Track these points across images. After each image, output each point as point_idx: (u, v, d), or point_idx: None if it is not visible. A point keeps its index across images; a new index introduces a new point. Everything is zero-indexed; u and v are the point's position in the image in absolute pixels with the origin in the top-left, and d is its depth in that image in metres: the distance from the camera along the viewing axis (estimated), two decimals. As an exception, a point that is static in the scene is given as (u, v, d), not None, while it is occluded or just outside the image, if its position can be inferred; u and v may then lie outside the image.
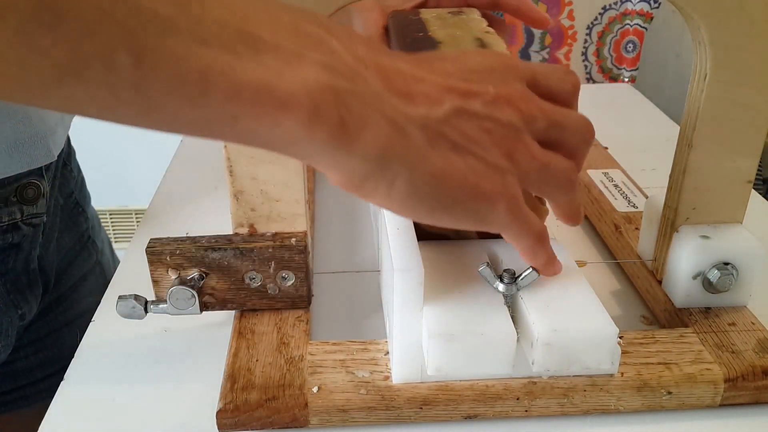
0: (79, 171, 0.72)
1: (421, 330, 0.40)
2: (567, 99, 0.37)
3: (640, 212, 0.60)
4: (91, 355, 0.48)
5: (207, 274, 0.46)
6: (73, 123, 0.65)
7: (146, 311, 0.46)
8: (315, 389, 0.41)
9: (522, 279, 0.41)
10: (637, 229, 0.57)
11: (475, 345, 0.39)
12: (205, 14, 0.25)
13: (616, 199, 0.63)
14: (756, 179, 0.49)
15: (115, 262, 0.79)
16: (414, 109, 0.31)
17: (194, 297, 0.45)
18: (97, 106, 0.25)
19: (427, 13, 0.61)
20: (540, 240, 0.38)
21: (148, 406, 0.43)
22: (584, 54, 1.12)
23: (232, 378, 0.42)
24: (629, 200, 0.62)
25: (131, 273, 0.57)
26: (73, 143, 0.71)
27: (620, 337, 0.44)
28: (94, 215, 0.76)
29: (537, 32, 1.10)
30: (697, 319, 0.47)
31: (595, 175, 0.67)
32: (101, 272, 0.74)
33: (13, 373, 0.66)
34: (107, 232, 1.67)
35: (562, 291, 0.42)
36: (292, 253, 0.46)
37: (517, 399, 0.41)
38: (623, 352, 0.43)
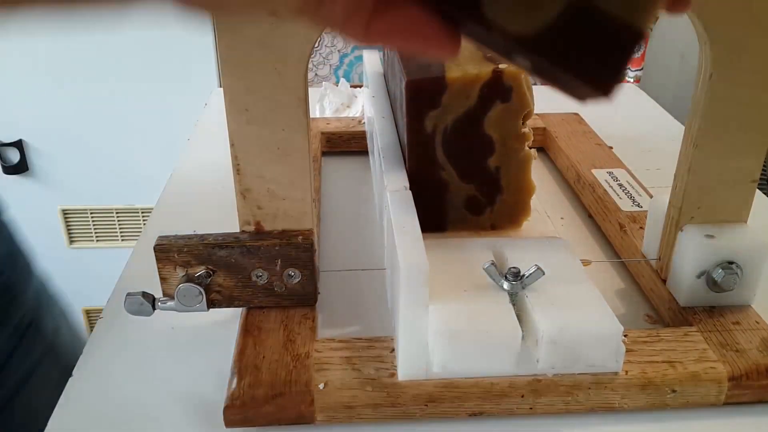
0: (11, 243, 0.60)
1: (426, 328, 0.40)
2: None
3: (644, 212, 0.60)
4: (98, 351, 0.48)
5: (214, 272, 0.46)
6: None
7: (154, 308, 0.46)
8: (321, 386, 0.41)
9: (527, 277, 0.41)
10: (641, 228, 0.57)
11: (481, 343, 0.39)
12: None
13: (620, 198, 0.63)
14: (761, 179, 0.49)
15: (79, 333, 0.66)
16: None
17: (201, 294, 0.46)
18: None
19: None
20: None
21: (155, 403, 0.44)
22: (589, 54, 1.12)
23: (239, 375, 0.42)
24: (634, 200, 0.63)
25: (139, 270, 0.58)
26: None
27: (625, 336, 0.44)
28: (40, 287, 0.63)
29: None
30: (701, 317, 0.47)
31: (600, 174, 0.68)
32: (55, 358, 0.62)
33: None
34: (114, 230, 1.69)
35: (566, 289, 0.42)
36: (299, 251, 0.46)
37: (522, 396, 0.41)
38: (628, 351, 0.43)
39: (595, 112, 0.84)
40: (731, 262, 0.46)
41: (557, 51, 0.21)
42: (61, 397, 0.44)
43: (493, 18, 0.21)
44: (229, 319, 0.50)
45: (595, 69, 0.22)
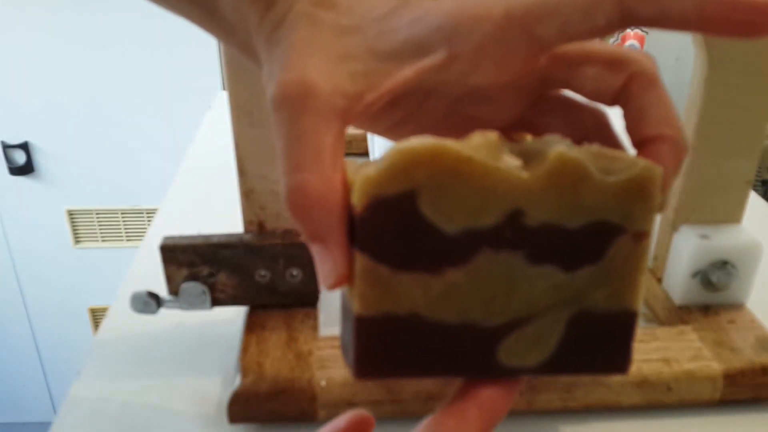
0: None
1: (426, 326, 0.41)
2: None
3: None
4: (104, 350, 0.49)
5: (218, 271, 0.47)
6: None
7: (159, 307, 0.47)
8: (323, 383, 0.42)
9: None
10: (639, 228, 0.58)
11: (479, 340, 0.40)
12: None
13: (619, 199, 0.63)
14: (755, 181, 0.50)
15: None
16: None
17: (205, 293, 0.47)
18: None
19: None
20: None
21: (160, 401, 0.45)
22: (590, 56, 1.12)
23: (242, 372, 0.43)
24: (632, 201, 0.63)
25: (144, 270, 0.59)
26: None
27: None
28: None
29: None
30: (696, 316, 0.48)
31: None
32: None
33: None
34: (119, 230, 1.70)
35: (563, 288, 0.43)
36: (301, 251, 0.47)
37: (520, 393, 0.42)
38: (624, 349, 0.43)
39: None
40: (726, 262, 0.47)
41: (567, 364, 0.24)
42: (68, 395, 0.45)
43: (508, 363, 0.24)
44: (232, 317, 0.51)
45: (605, 362, 0.25)
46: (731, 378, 0.43)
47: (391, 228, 0.22)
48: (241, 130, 0.44)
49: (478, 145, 0.22)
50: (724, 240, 0.47)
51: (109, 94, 1.54)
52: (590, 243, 0.23)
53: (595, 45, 0.26)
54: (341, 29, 0.24)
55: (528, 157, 0.22)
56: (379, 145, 0.60)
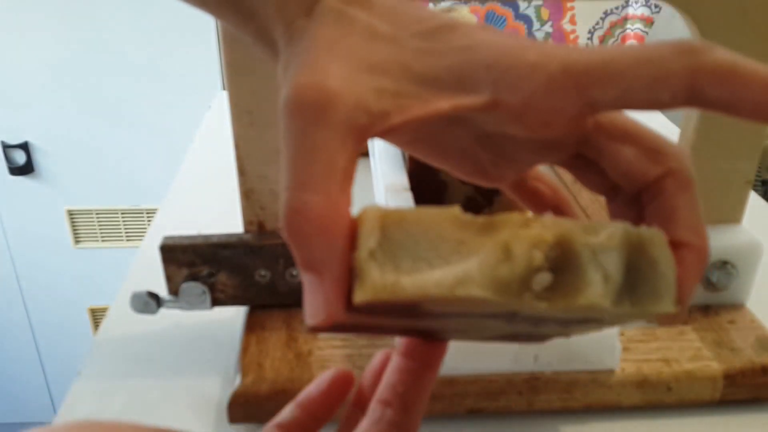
0: None
1: (426, 326, 0.41)
2: None
3: (642, 212, 0.60)
4: (104, 349, 0.49)
5: (218, 271, 0.47)
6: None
7: (159, 307, 0.47)
8: (323, 383, 0.42)
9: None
10: (639, 228, 0.58)
11: (479, 340, 0.40)
12: None
13: (619, 199, 0.63)
14: (755, 181, 0.50)
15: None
16: None
17: (206, 293, 0.47)
18: None
19: None
20: None
21: (159, 400, 0.45)
22: (590, 56, 1.13)
23: (242, 372, 0.43)
24: (632, 201, 0.63)
25: (144, 270, 0.59)
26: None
27: (621, 334, 0.45)
28: None
29: (539, 36, 1.11)
30: (696, 316, 0.48)
31: (599, 175, 0.68)
32: None
33: None
34: (119, 230, 1.70)
35: (563, 288, 0.43)
36: (301, 251, 0.47)
37: (520, 393, 0.42)
38: (624, 349, 0.44)
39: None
40: (726, 262, 0.47)
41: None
42: (68, 395, 0.45)
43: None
44: (232, 317, 0.51)
45: None
46: (731, 378, 0.43)
47: (386, 309, 0.21)
48: (241, 130, 0.44)
49: (509, 270, 0.19)
50: (724, 240, 0.47)
51: (109, 94, 1.54)
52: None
53: (639, 126, 0.24)
54: (374, 34, 0.21)
55: (559, 268, 0.20)
56: (379, 147, 0.60)
